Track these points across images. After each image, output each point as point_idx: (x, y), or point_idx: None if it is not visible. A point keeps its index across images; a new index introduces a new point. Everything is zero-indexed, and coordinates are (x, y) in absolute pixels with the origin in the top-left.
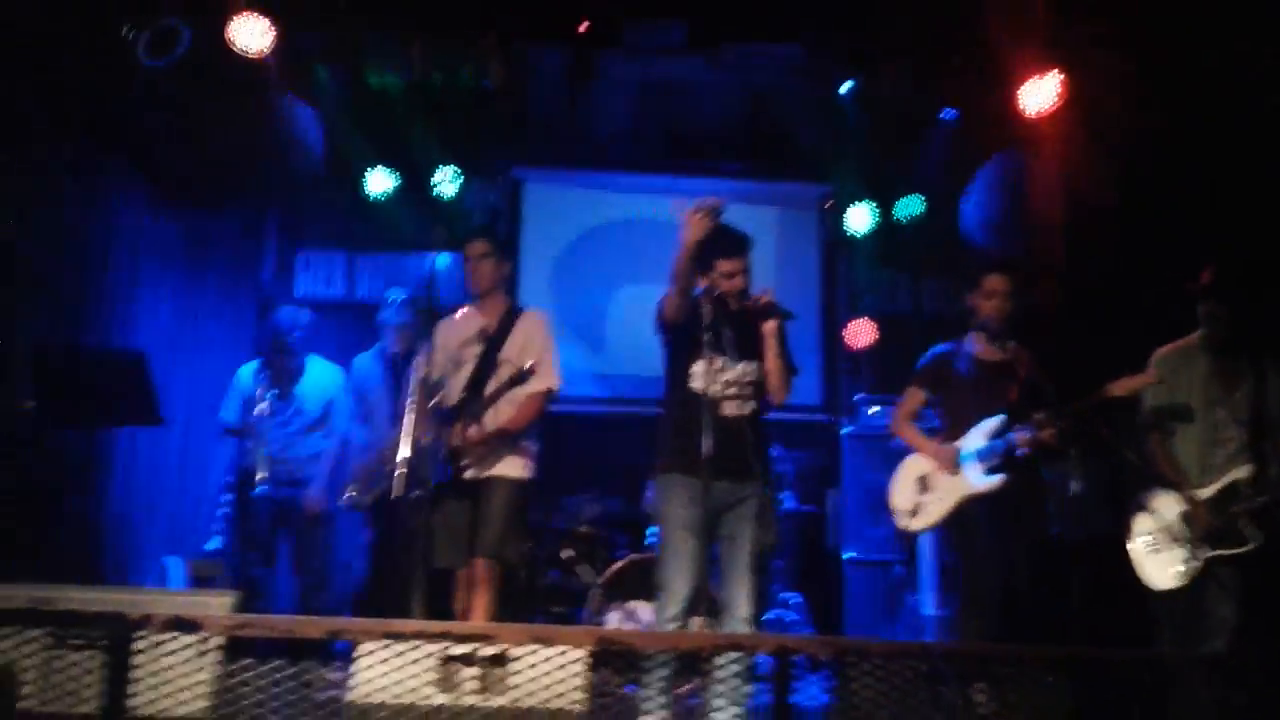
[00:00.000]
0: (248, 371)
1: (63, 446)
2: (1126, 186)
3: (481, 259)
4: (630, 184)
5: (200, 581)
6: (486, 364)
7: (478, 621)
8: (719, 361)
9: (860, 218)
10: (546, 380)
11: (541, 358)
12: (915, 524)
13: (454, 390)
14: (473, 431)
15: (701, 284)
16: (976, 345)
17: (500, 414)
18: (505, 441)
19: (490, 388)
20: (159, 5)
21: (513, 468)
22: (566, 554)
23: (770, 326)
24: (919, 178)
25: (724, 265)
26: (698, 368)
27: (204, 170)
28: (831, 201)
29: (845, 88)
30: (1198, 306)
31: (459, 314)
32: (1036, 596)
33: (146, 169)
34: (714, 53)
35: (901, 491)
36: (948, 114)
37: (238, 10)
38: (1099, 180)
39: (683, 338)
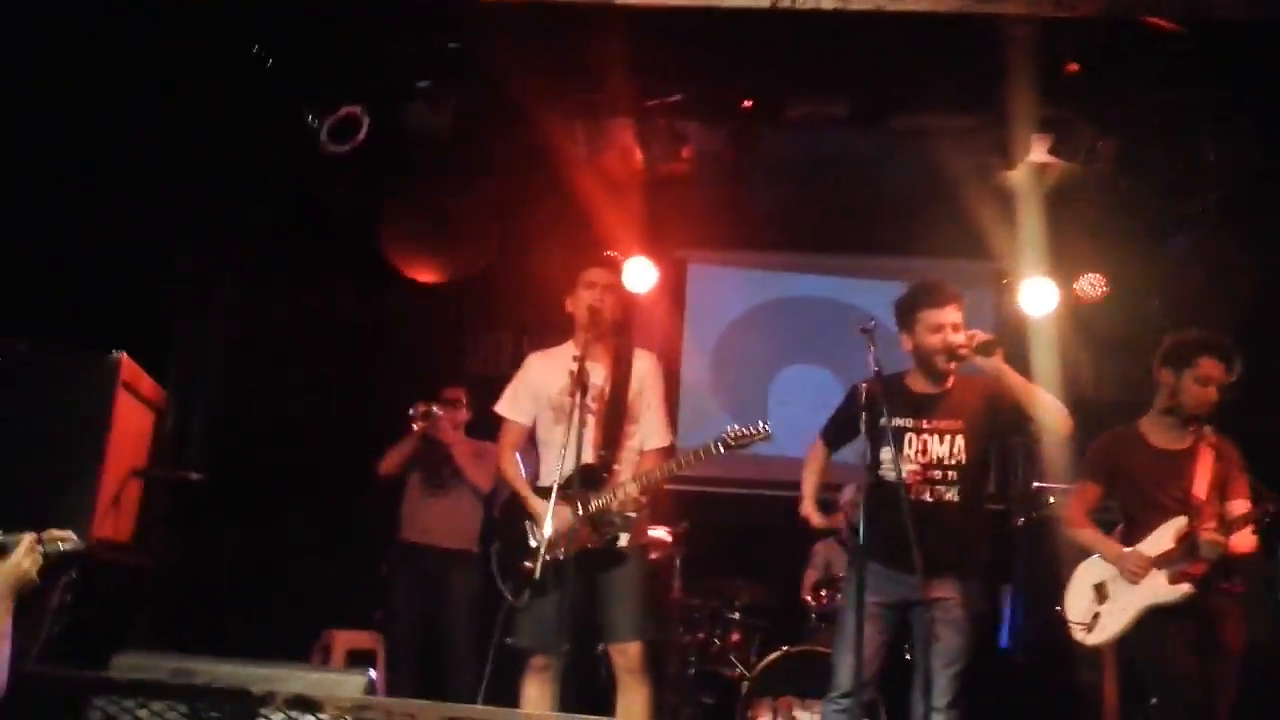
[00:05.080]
0: None
1: None
2: None
3: (607, 290)
4: (791, 263)
5: None
6: (616, 417)
7: (638, 714)
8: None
9: (1038, 296)
10: (668, 435)
11: (663, 409)
12: (1092, 639)
13: (566, 445)
14: None
15: (908, 345)
16: (1155, 430)
17: (631, 474)
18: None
19: (628, 444)
20: None
21: (654, 534)
22: (718, 642)
23: (996, 363)
24: (1100, 255)
25: (932, 317)
26: (886, 454)
27: None
28: (1007, 279)
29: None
30: None
31: (553, 351)
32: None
33: None
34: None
35: (1076, 602)
36: None
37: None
38: None
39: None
